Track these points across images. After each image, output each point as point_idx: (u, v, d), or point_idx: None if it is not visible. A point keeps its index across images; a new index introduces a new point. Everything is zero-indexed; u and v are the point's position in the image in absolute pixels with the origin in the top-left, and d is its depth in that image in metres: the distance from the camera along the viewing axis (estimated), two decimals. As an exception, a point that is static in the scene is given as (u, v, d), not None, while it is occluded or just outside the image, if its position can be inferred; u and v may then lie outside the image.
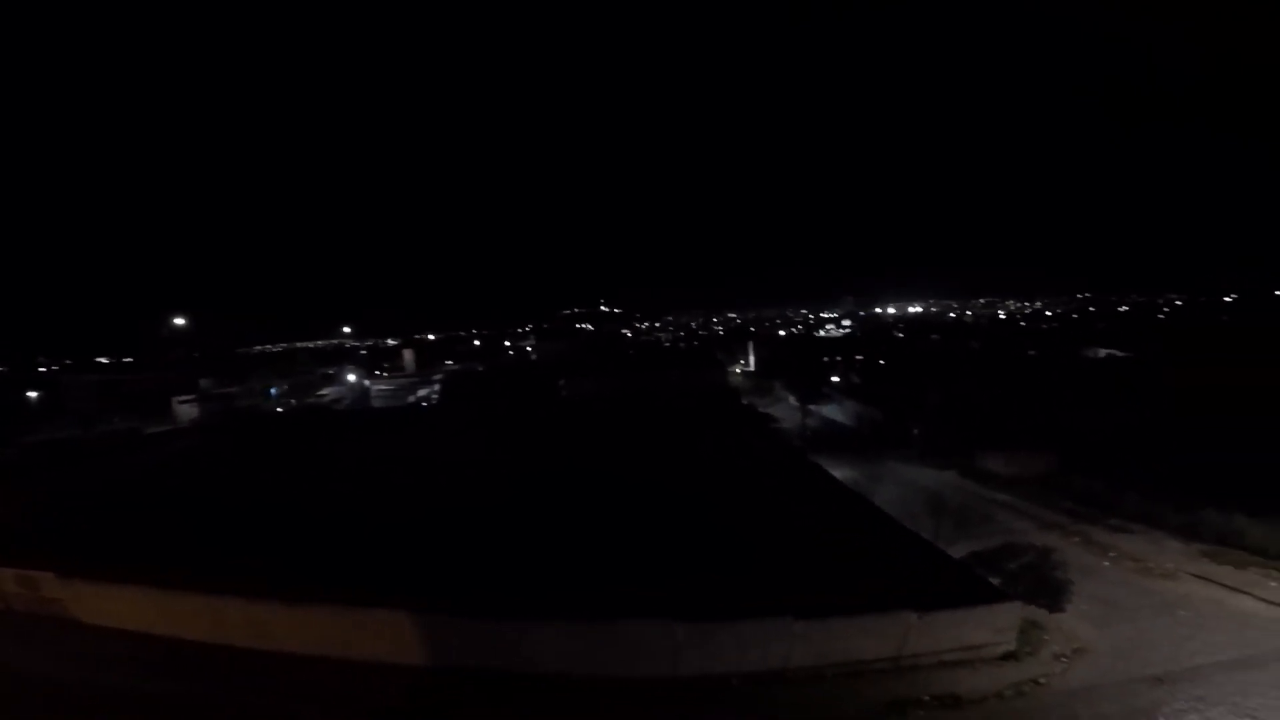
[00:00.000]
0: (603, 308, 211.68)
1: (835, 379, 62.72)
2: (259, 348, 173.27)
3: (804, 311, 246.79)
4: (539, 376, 76.42)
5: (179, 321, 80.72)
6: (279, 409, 75.86)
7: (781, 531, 21.65)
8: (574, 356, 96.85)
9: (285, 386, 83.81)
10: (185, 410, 65.89)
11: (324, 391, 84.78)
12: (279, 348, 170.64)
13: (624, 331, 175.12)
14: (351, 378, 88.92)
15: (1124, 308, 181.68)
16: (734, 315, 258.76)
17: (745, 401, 59.88)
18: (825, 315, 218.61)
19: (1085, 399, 43.87)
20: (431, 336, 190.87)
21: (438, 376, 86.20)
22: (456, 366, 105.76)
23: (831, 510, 24.58)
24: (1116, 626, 17.28)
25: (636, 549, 20.33)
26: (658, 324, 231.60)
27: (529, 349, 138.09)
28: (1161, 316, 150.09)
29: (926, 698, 14.38)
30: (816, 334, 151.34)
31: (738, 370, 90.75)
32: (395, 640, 16.24)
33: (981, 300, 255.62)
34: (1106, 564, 21.83)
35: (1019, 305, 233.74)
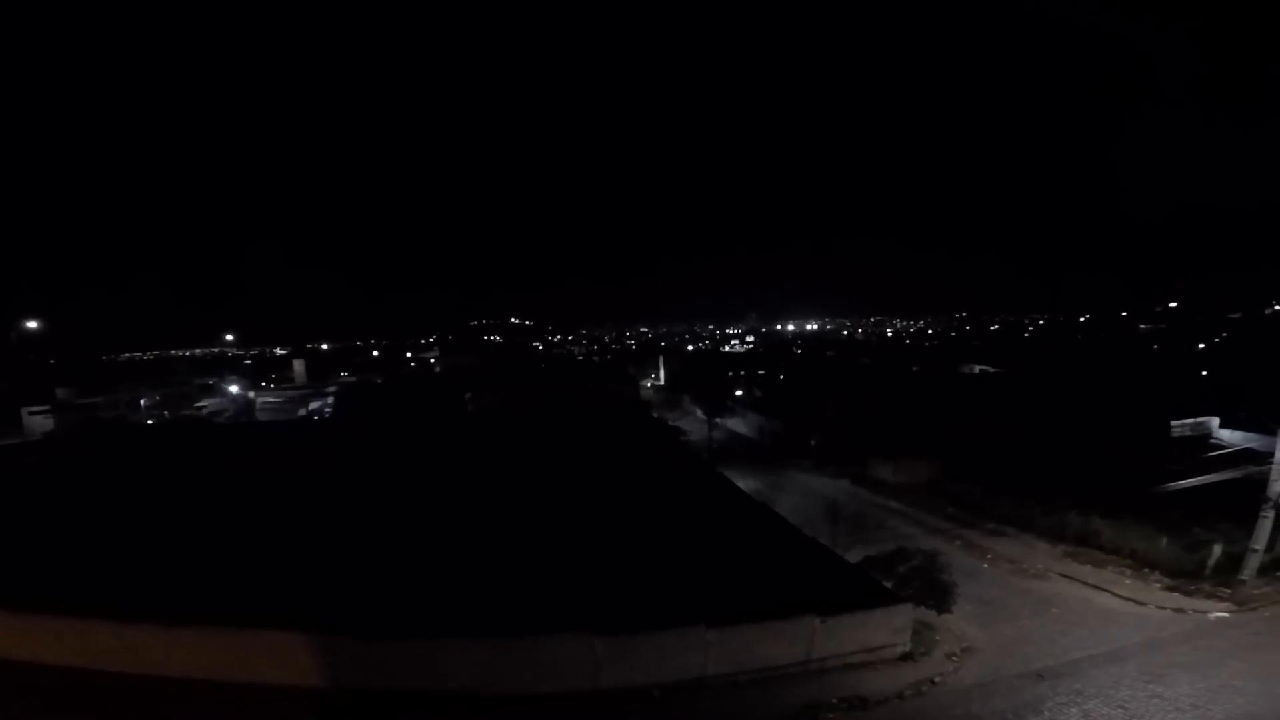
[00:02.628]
0: (513, 320, 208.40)
1: (739, 393, 65.00)
2: (128, 355, 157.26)
3: (711, 327, 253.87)
4: (443, 389, 74.18)
5: (31, 325, 72.86)
6: (149, 421, 69.18)
7: (691, 542, 22.18)
8: (482, 369, 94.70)
9: (157, 398, 76.43)
10: (38, 422, 59.51)
11: (202, 403, 78.01)
12: (151, 356, 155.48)
13: (535, 344, 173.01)
14: (233, 389, 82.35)
15: (995, 326, 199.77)
16: (646, 329, 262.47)
17: (656, 415, 60.74)
18: (731, 331, 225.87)
19: (962, 411, 47.88)
20: (325, 346, 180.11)
21: (331, 388, 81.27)
22: (353, 378, 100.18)
23: (738, 520, 25.47)
24: (999, 626, 18.81)
25: (549, 563, 20.18)
26: (570, 337, 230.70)
27: (433, 361, 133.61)
28: (1026, 335, 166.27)
29: (835, 700, 15.09)
30: (722, 349, 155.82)
31: (649, 384, 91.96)
32: (291, 662, 15.32)
33: (872, 319, 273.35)
34: (986, 565, 23.86)
35: (905, 324, 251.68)
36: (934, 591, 18.60)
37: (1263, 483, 19.10)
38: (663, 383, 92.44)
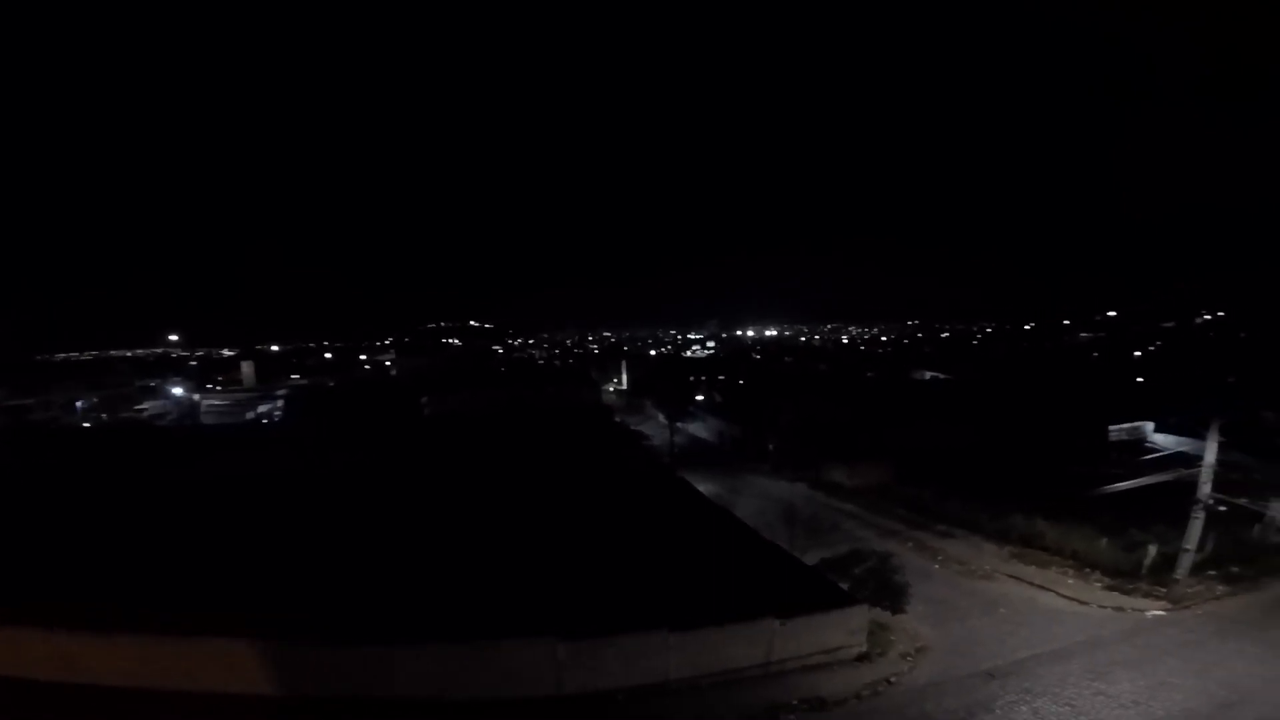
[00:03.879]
0: (472, 323, 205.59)
1: (700, 398, 65.46)
2: (64, 355, 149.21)
3: (673, 332, 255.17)
4: (399, 393, 72.72)
5: (-44, 324, 68.06)
6: (85, 424, 65.68)
7: (653, 546, 22.24)
8: (439, 372, 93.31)
9: (95, 399, 72.68)
10: (-39, 426, 55.46)
11: (143, 406, 74.51)
12: (89, 356, 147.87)
13: (495, 348, 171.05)
14: (177, 391, 78.85)
15: (945, 334, 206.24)
16: (608, 334, 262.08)
17: (618, 419, 60.66)
18: (692, 337, 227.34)
19: (914, 416, 49.18)
20: (275, 348, 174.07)
21: (282, 391, 78.61)
22: (304, 381, 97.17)
23: (699, 524, 25.62)
24: (950, 626, 19.34)
25: (510, 568, 19.94)
26: (531, 341, 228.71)
27: (388, 363, 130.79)
28: (975, 343, 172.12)
29: (795, 701, 15.36)
30: (684, 355, 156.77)
31: (611, 389, 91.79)
32: (238, 670, 14.91)
33: (828, 326, 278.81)
34: (936, 566, 24.51)
35: (860, 331, 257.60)
36: (888, 592, 19.07)
37: (1194, 485, 20.11)
38: (625, 387, 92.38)
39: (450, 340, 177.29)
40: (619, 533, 23.47)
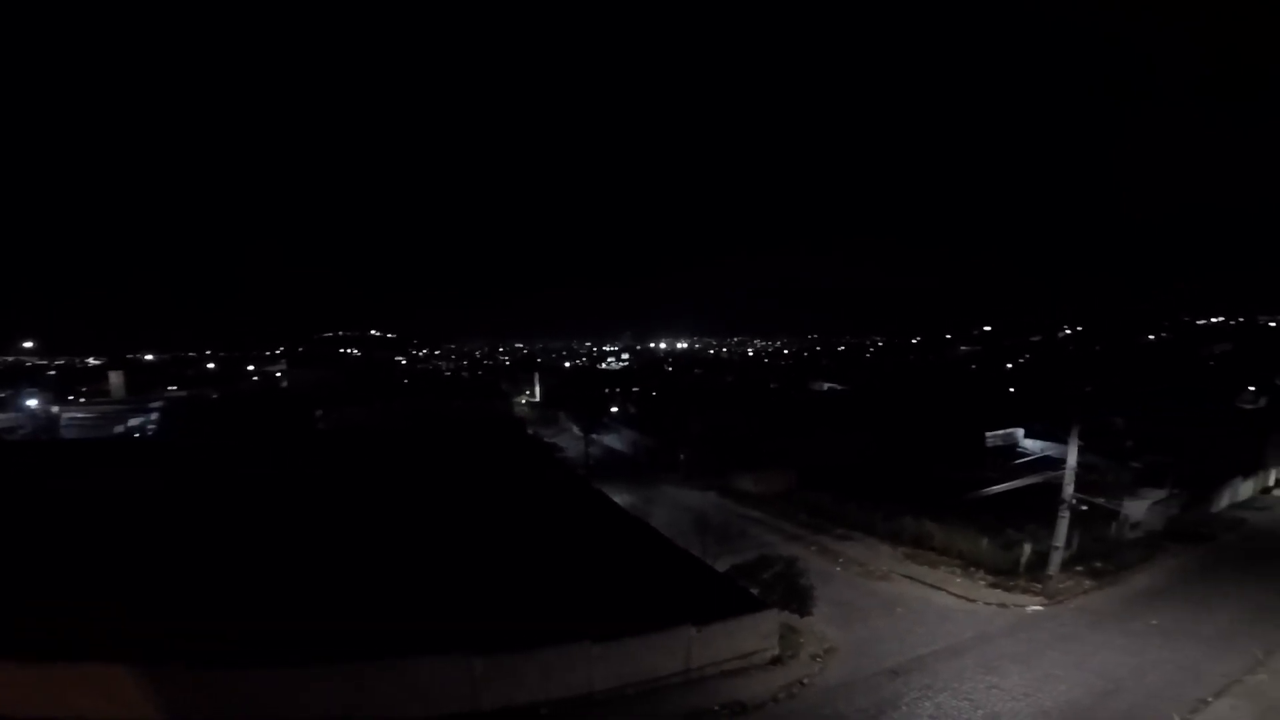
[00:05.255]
0: (373, 332, 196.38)
1: (615, 409, 65.64)
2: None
3: (588, 344, 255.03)
4: (290, 405, 68.57)
5: None
6: None
7: (571, 558, 21.96)
8: (336, 384, 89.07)
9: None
10: None
11: (-12, 419, 65.61)
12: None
13: (398, 359, 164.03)
14: (32, 403, 70.15)
15: (841, 347, 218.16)
16: (520, 345, 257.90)
17: (531, 431, 59.70)
18: (607, 349, 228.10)
19: (814, 424, 51.58)
20: (150, 357, 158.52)
21: (157, 403, 71.79)
22: (183, 393, 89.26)
23: (615, 535, 25.54)
24: (854, 626, 20.16)
25: (422, 585, 19.07)
26: (437, 352, 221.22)
27: (279, 375, 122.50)
28: (867, 355, 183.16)
29: (717, 707, 15.55)
30: (599, 366, 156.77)
31: (523, 401, 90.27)
32: (116, 697, 13.67)
33: (735, 339, 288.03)
34: (838, 569, 25.54)
35: (764, 344, 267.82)
36: (796, 596, 19.69)
37: (1059, 487, 22.12)
38: (538, 399, 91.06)
39: (349, 350, 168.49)
40: (535, 546, 22.97)
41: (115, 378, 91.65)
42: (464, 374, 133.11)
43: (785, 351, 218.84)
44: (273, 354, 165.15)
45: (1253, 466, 35.37)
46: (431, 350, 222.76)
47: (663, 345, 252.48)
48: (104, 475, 33.90)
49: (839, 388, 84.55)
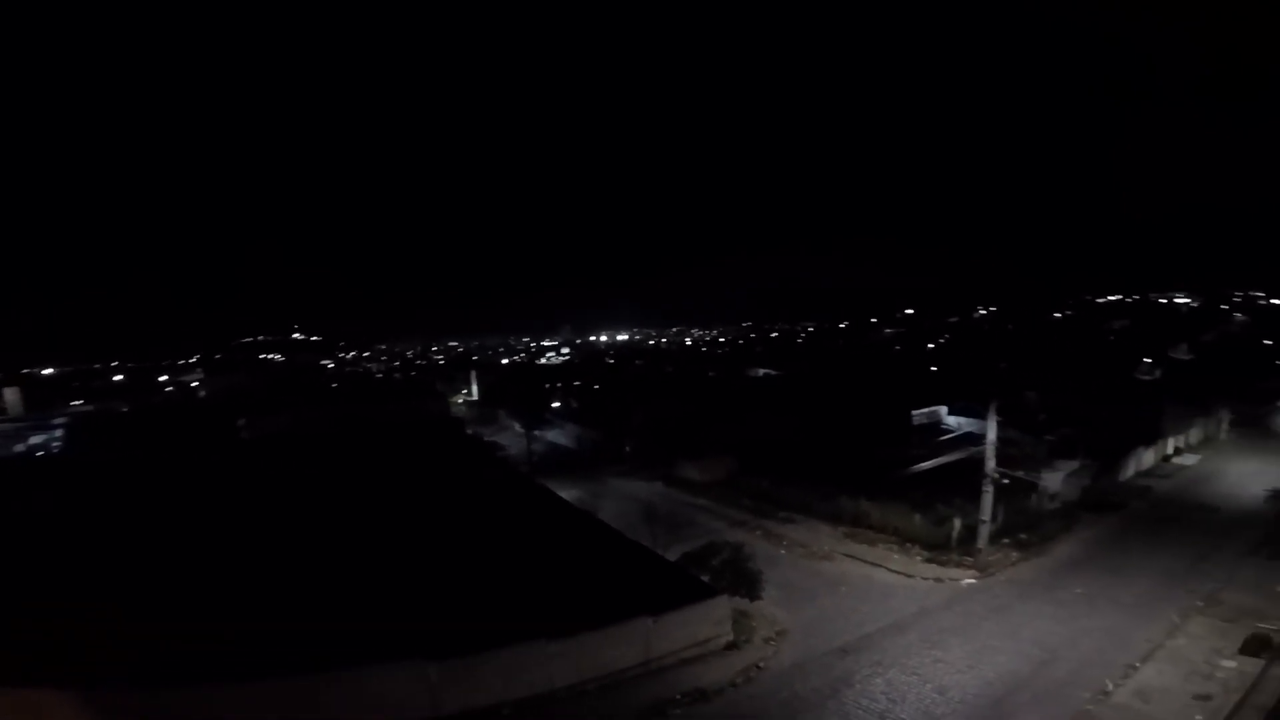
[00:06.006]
0: (296, 336, 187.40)
1: (557, 404, 65.12)
2: None
3: (526, 339, 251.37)
4: (210, 415, 65.02)
5: None
6: None
7: (520, 557, 21.78)
8: (258, 391, 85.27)
9: None
10: None
11: None
12: None
13: (325, 363, 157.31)
14: (-95, 425, 63.47)
15: (774, 334, 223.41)
16: (455, 344, 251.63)
17: (470, 431, 58.52)
18: (546, 344, 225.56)
19: (752, 410, 52.77)
20: (49, 371, 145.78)
21: (60, 420, 66.57)
22: (89, 407, 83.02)
23: (564, 531, 25.49)
24: (803, 608, 20.77)
25: (367, 594, 18.53)
26: (367, 354, 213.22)
27: (195, 384, 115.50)
28: (799, 341, 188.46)
29: (679, 695, 15.80)
30: (538, 362, 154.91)
31: (460, 400, 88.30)
32: None
33: (674, 329, 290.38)
34: (783, 551, 26.25)
35: (702, 333, 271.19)
36: (745, 581, 20.17)
37: (982, 461, 23.34)
38: (476, 398, 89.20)
39: (271, 356, 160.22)
40: (482, 548, 22.64)
41: (10, 394, 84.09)
42: (396, 375, 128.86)
43: (722, 340, 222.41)
44: (187, 363, 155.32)
45: (1153, 436, 37.96)
46: (361, 352, 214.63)
47: (603, 338, 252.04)
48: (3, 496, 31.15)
49: (774, 373, 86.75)
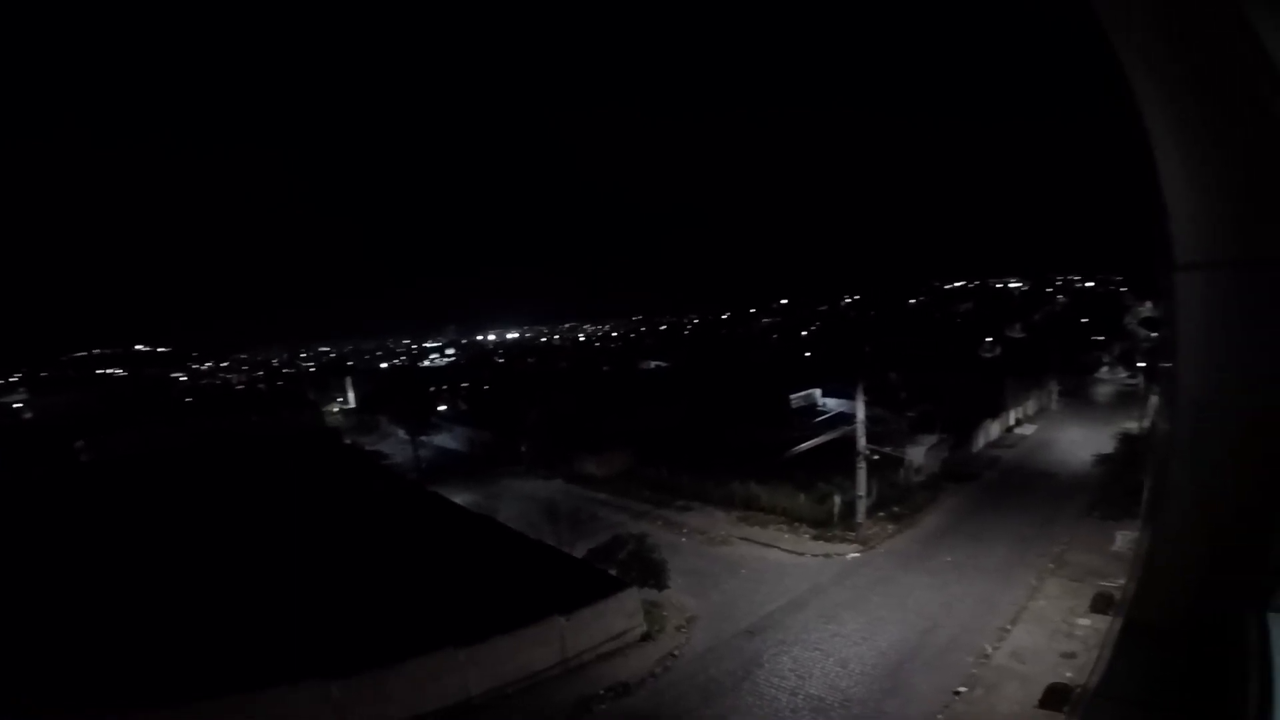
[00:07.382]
0: (140, 348, 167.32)
1: (444, 408, 62.78)
2: None
3: (407, 342, 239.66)
4: (39, 438, 57.21)
5: None
6: None
7: (418, 567, 21.05)
8: (96, 409, 75.68)
9: None
10: None
11: None
12: None
13: (175, 375, 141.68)
14: None
15: (663, 327, 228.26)
16: (327, 349, 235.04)
17: (349, 441, 55.13)
18: (429, 345, 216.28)
19: (644, 401, 53.68)
20: None
21: None
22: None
23: (462, 536, 24.84)
24: (708, 593, 21.40)
25: (254, 618, 17.19)
26: (225, 364, 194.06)
27: (19, 406, 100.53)
28: (686, 333, 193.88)
29: (602, 691, 15.89)
30: (421, 364, 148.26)
31: (335, 409, 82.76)
32: None
33: (566, 325, 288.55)
34: (684, 539, 26.92)
35: (594, 328, 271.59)
36: (652, 571, 20.58)
37: (854, 440, 25.13)
38: (352, 405, 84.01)
39: (111, 370, 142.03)
40: (375, 562, 21.54)
41: None
42: (261, 385, 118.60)
43: (614, 335, 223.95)
44: (8, 382, 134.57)
45: (997, 409, 42.45)
46: (218, 363, 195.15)
47: (491, 337, 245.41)
48: None
49: (664, 364, 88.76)
